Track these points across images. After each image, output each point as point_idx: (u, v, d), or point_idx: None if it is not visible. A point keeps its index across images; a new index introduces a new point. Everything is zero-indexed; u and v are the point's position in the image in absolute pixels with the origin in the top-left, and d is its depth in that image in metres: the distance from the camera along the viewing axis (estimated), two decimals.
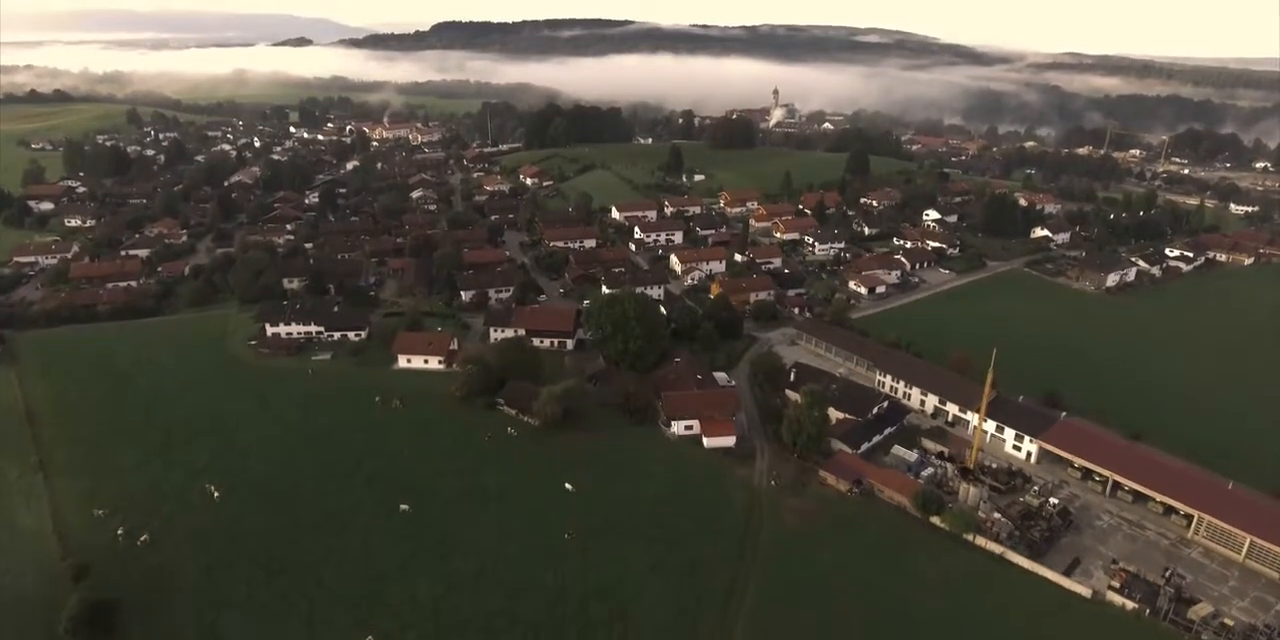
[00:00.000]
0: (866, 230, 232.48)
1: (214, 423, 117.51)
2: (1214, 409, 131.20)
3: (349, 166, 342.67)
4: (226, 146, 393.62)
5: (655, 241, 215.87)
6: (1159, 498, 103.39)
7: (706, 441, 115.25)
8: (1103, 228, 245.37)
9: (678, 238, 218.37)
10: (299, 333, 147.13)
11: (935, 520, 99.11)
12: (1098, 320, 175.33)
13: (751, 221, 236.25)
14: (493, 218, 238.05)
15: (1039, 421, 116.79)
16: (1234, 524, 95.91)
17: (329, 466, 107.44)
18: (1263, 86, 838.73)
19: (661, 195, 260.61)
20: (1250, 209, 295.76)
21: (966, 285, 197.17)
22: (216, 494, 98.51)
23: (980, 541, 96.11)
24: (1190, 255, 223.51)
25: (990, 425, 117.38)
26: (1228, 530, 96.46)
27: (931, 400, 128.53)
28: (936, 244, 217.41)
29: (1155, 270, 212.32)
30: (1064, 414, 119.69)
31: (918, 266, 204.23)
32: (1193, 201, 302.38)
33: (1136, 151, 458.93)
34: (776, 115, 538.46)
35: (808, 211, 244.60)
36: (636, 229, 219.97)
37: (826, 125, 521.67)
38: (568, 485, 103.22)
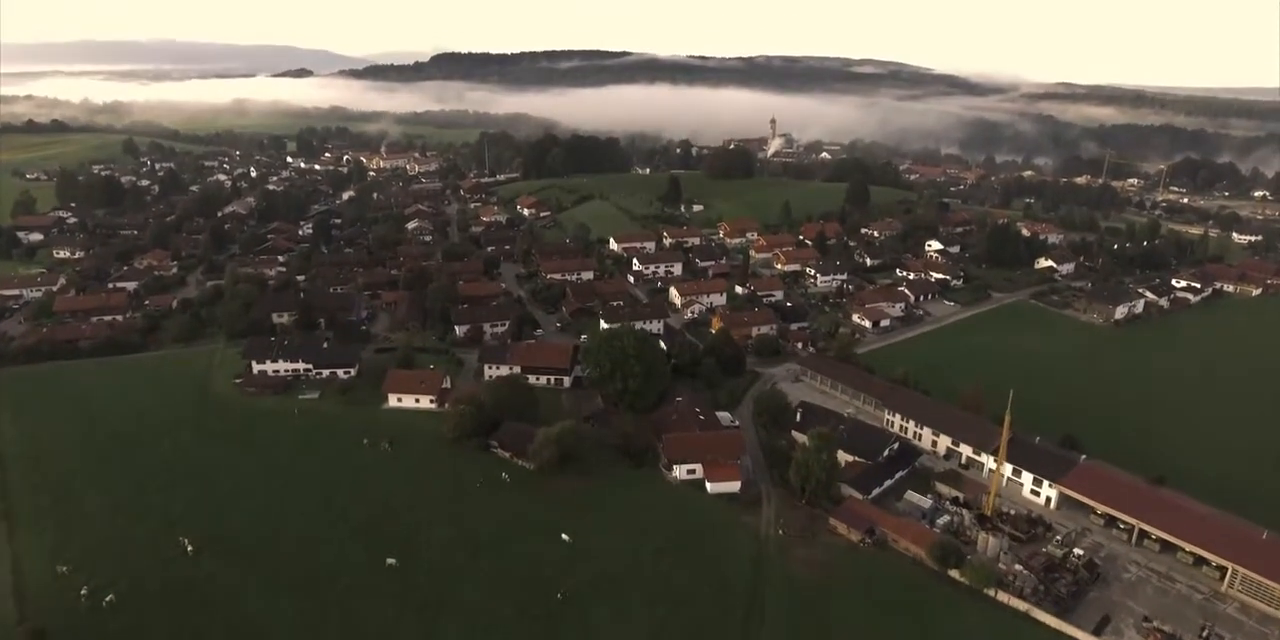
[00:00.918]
0: (868, 261, 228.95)
1: (192, 467, 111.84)
2: (1237, 449, 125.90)
3: (345, 197, 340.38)
4: (222, 177, 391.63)
5: (654, 273, 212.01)
6: (1188, 547, 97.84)
7: (710, 487, 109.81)
8: (1107, 258, 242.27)
9: (677, 269, 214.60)
10: (286, 370, 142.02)
11: (954, 573, 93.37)
12: (1109, 355, 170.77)
13: (752, 253, 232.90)
14: (489, 249, 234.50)
15: (1058, 465, 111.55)
16: (1271, 577, 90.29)
17: (312, 515, 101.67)
18: (1254, 115, 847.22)
19: (660, 226, 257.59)
20: (1253, 238, 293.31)
21: (972, 318, 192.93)
22: (190, 548, 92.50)
23: (1003, 597, 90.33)
24: (1197, 286, 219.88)
25: (1007, 468, 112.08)
26: (1265, 584, 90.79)
27: (944, 441, 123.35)
28: (940, 275, 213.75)
29: (1163, 302, 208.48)
30: (1083, 457, 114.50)
31: (922, 298, 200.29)
32: (1194, 231, 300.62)
33: (1134, 180, 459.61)
34: (775, 145, 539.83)
35: (808, 242, 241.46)
36: (635, 260, 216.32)
37: (824, 155, 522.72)
38: (564, 536, 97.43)
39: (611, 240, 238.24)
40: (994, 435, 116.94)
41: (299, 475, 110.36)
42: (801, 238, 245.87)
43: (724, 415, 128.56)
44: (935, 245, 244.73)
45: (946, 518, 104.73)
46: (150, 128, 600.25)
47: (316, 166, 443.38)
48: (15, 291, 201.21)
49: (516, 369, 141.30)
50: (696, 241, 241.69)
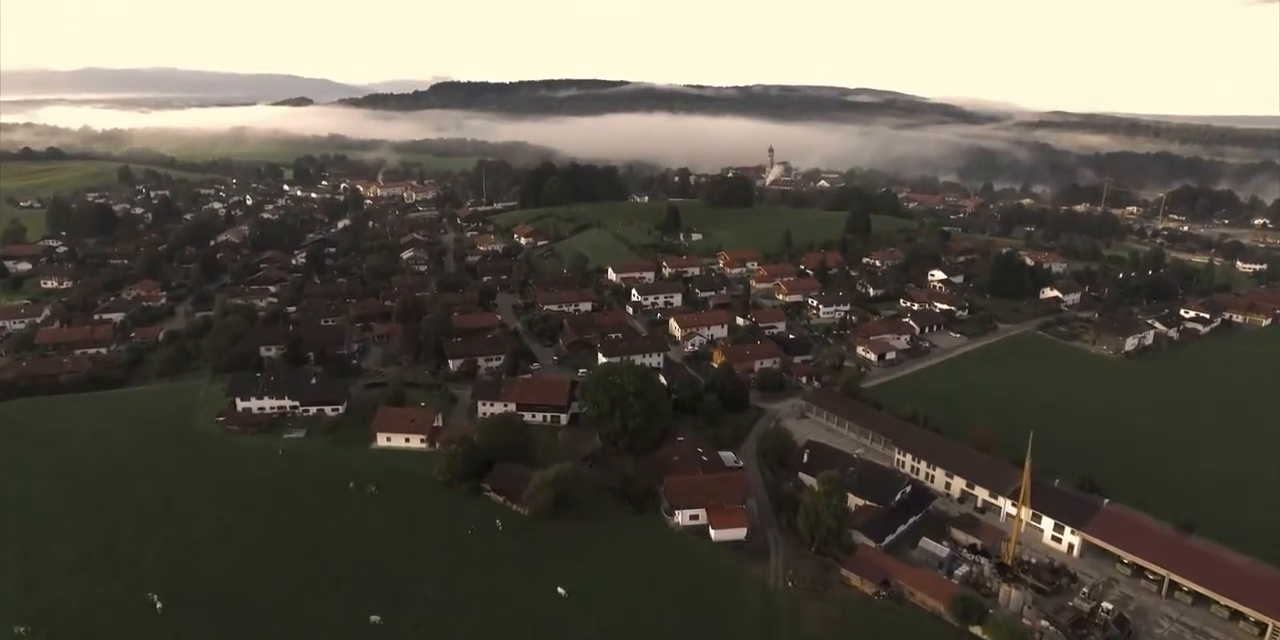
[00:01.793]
0: (871, 291, 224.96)
1: (167, 513, 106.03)
2: (1269, 491, 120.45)
3: (341, 225, 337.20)
4: (217, 205, 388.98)
5: (653, 304, 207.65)
6: (1224, 601, 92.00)
7: (714, 534, 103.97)
8: (1113, 288, 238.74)
9: (676, 300, 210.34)
10: (272, 407, 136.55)
11: (976, 630, 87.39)
12: (1122, 388, 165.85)
13: (752, 283, 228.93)
14: (485, 279, 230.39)
15: (1080, 510, 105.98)
16: None
17: (292, 566, 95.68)
18: (1248, 143, 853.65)
19: (659, 255, 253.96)
20: (1258, 267, 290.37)
21: (979, 350, 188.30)
22: (159, 605, 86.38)
23: None
24: (1207, 316, 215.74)
25: (1025, 513, 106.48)
26: None
27: (958, 483, 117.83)
28: (945, 306, 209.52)
29: (1173, 333, 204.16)
30: (1106, 501, 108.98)
31: (927, 330, 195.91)
32: (1198, 259, 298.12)
33: (1133, 208, 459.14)
34: (774, 172, 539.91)
35: (809, 272, 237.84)
36: (634, 291, 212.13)
37: (822, 183, 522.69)
38: (560, 590, 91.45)
39: (610, 270, 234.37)
40: (1011, 477, 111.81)
41: (280, 522, 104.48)
42: (802, 267, 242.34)
43: (728, 455, 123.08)
44: (938, 275, 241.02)
45: (965, 568, 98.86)
46: (147, 155, 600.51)
47: (313, 195, 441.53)
48: None
49: (511, 406, 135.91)
50: (696, 271, 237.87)
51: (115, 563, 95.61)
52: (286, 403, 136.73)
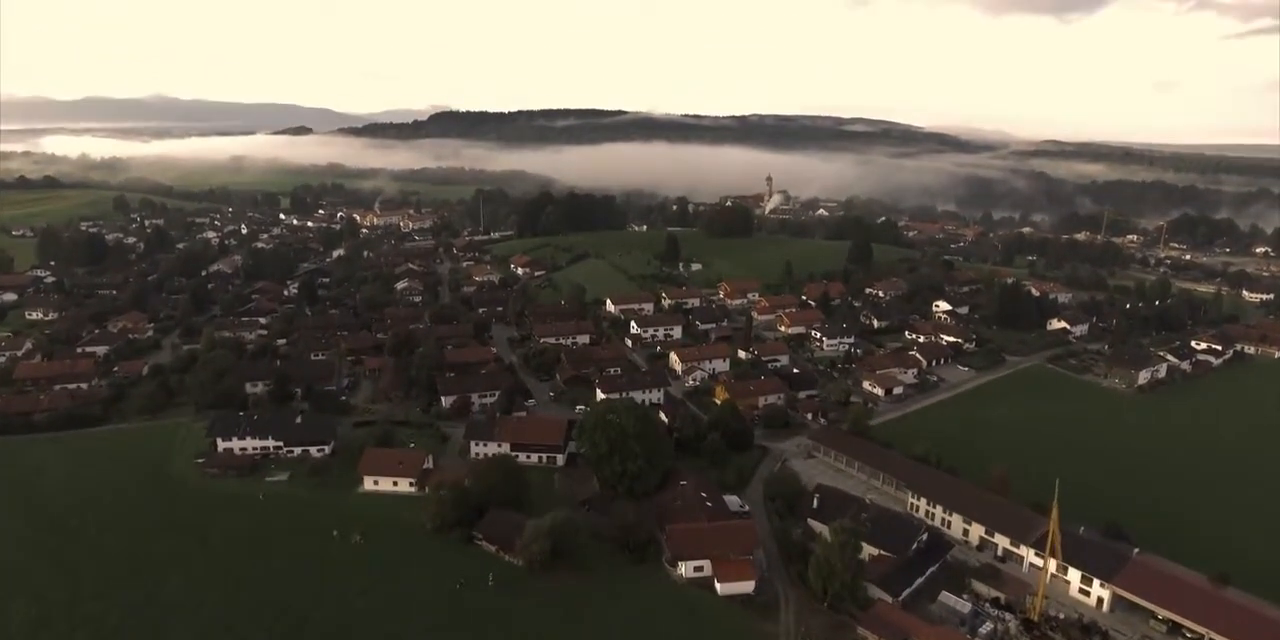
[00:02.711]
0: (875, 323, 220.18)
1: (138, 565, 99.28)
2: None
3: (335, 255, 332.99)
4: (212, 234, 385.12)
5: (653, 337, 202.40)
6: None
7: (720, 587, 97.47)
8: (1121, 319, 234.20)
9: (676, 332, 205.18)
10: (255, 448, 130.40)
11: None
12: (1139, 425, 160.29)
13: (754, 314, 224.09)
14: (480, 311, 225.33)
15: (1109, 560, 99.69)
16: None
17: (266, 626, 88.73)
18: (1242, 172, 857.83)
19: (658, 286, 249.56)
20: (1265, 296, 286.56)
21: (988, 384, 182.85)
22: None
23: None
24: (1219, 348, 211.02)
25: (1052, 564, 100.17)
26: None
27: (976, 530, 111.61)
28: (952, 338, 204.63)
29: (1185, 365, 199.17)
30: (1136, 550, 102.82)
31: (934, 363, 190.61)
32: (1203, 288, 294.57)
33: (1134, 236, 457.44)
34: (774, 201, 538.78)
35: (811, 303, 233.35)
36: (633, 323, 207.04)
37: (821, 212, 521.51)
38: None
39: (608, 301, 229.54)
40: (1034, 523, 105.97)
41: (257, 577, 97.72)
42: (804, 298, 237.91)
43: (733, 500, 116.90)
44: (943, 306, 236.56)
45: (990, 625, 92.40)
46: (144, 184, 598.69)
47: (309, 223, 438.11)
48: None
49: (505, 446, 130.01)
50: (696, 302, 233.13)
51: (77, 622, 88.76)
52: (270, 443, 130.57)
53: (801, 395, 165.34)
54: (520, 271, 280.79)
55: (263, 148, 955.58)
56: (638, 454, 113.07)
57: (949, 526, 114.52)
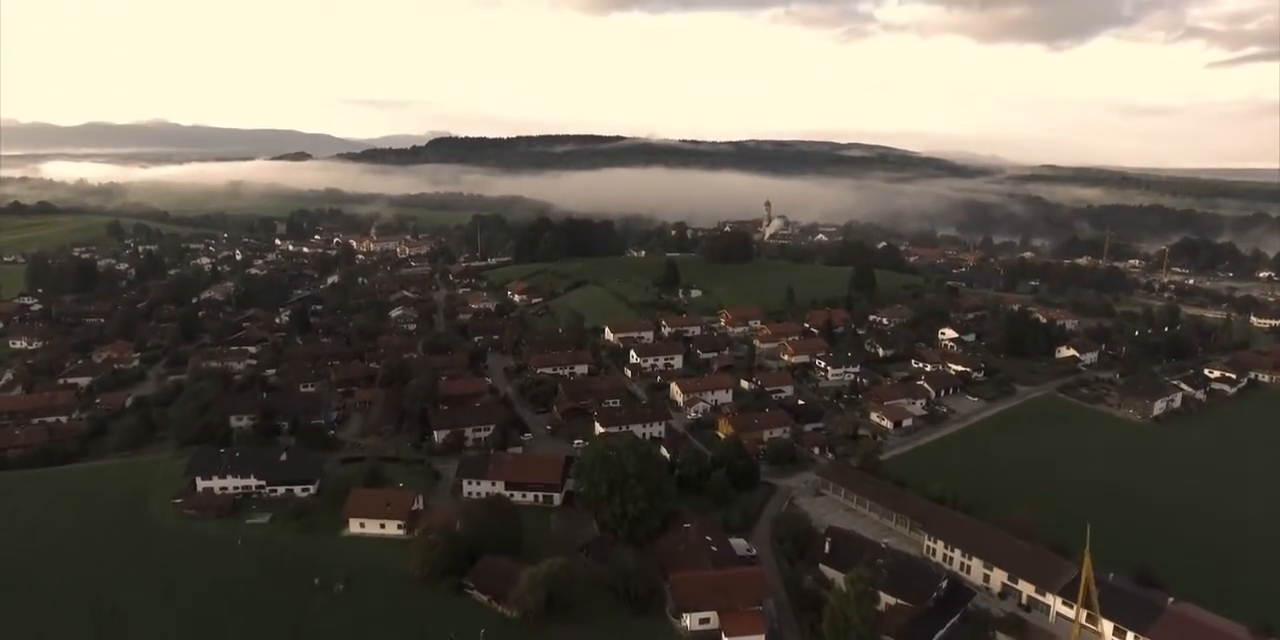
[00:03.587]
0: (881, 351, 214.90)
1: (102, 619, 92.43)
2: None
3: (330, 281, 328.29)
4: (205, 260, 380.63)
5: (653, 366, 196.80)
6: None
7: None
8: (1131, 346, 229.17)
9: (677, 362, 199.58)
10: (235, 487, 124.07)
11: None
12: (1158, 458, 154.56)
13: (756, 342, 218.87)
14: (476, 339, 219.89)
15: (1143, 610, 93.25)
16: None
17: None
18: (1238, 195, 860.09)
19: (658, 313, 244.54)
20: (1274, 322, 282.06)
21: (1000, 416, 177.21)
22: None
23: None
24: (1232, 376, 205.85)
25: (1083, 614, 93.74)
26: None
27: (998, 576, 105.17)
28: (960, 367, 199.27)
29: (1200, 394, 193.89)
30: (1170, 599, 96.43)
31: (943, 393, 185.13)
32: (1210, 314, 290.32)
33: (1135, 261, 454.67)
34: (774, 226, 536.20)
35: (814, 330, 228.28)
36: (632, 352, 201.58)
37: (820, 237, 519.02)
38: None
39: (607, 330, 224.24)
40: (1060, 569, 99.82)
41: (229, 631, 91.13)
42: (807, 326, 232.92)
43: (739, 543, 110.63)
44: (949, 333, 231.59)
45: None
46: (140, 209, 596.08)
47: (305, 249, 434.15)
48: None
49: (499, 485, 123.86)
50: (697, 331, 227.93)
51: None
52: (252, 482, 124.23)
53: (808, 428, 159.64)
54: (517, 299, 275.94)
55: (261, 173, 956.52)
56: (639, 495, 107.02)
57: (968, 571, 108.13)
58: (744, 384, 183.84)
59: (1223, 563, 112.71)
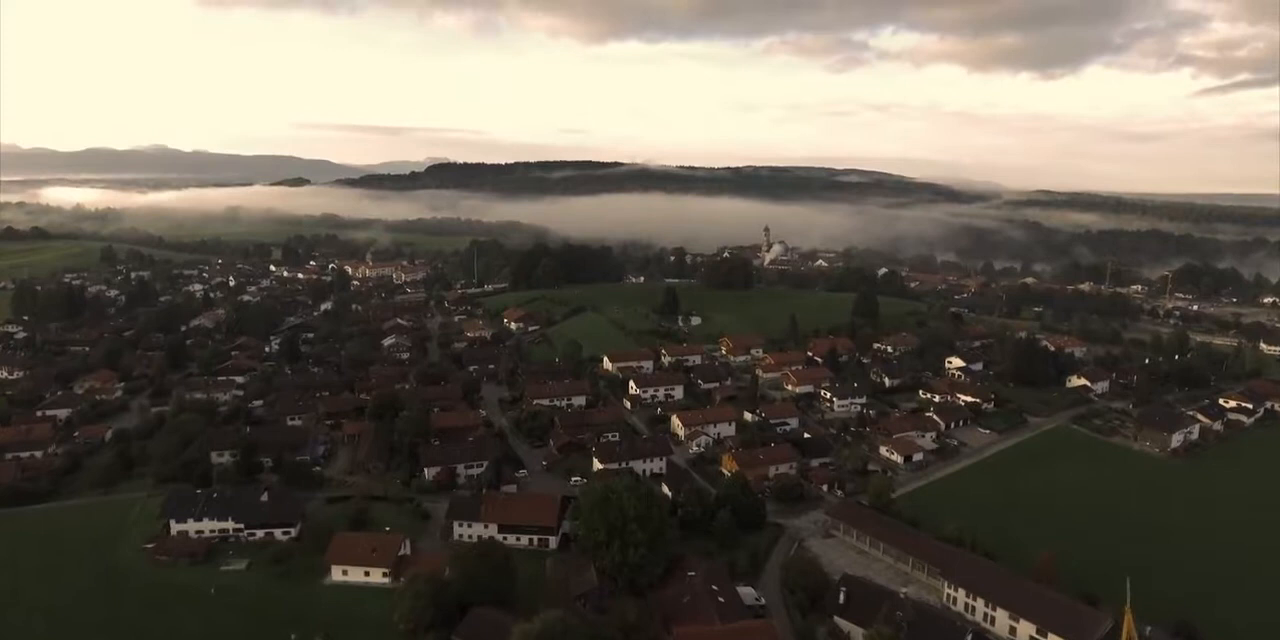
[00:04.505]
0: (887, 381, 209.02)
1: None
2: None
3: (324, 308, 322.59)
4: (198, 286, 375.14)
5: (653, 397, 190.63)
6: None
7: None
8: (1142, 375, 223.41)
9: (678, 392, 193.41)
10: (213, 530, 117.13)
11: None
12: (1182, 495, 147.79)
13: (758, 372, 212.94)
14: (471, 369, 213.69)
15: None
16: None
17: None
18: (1235, 220, 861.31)
19: (658, 342, 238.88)
20: None
21: (1014, 449, 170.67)
22: None
23: None
24: (1249, 406, 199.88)
25: None
26: None
27: (1025, 629, 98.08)
28: (970, 398, 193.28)
29: (1217, 425, 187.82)
30: None
31: (953, 425, 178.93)
32: (1218, 341, 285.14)
33: (1137, 287, 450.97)
34: (775, 251, 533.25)
35: (818, 359, 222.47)
36: (631, 383, 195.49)
37: (820, 262, 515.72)
38: None
39: (605, 359, 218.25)
40: (1093, 621, 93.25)
41: None
42: (810, 354, 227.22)
43: (747, 591, 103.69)
44: (957, 362, 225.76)
45: None
46: (135, 235, 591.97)
47: (299, 275, 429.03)
48: None
49: (492, 528, 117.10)
50: (698, 360, 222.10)
51: None
52: (230, 525, 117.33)
53: (814, 463, 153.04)
54: (513, 326, 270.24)
55: (259, 198, 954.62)
56: (640, 541, 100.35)
57: (993, 622, 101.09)
58: (747, 416, 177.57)
59: (1273, 618, 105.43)
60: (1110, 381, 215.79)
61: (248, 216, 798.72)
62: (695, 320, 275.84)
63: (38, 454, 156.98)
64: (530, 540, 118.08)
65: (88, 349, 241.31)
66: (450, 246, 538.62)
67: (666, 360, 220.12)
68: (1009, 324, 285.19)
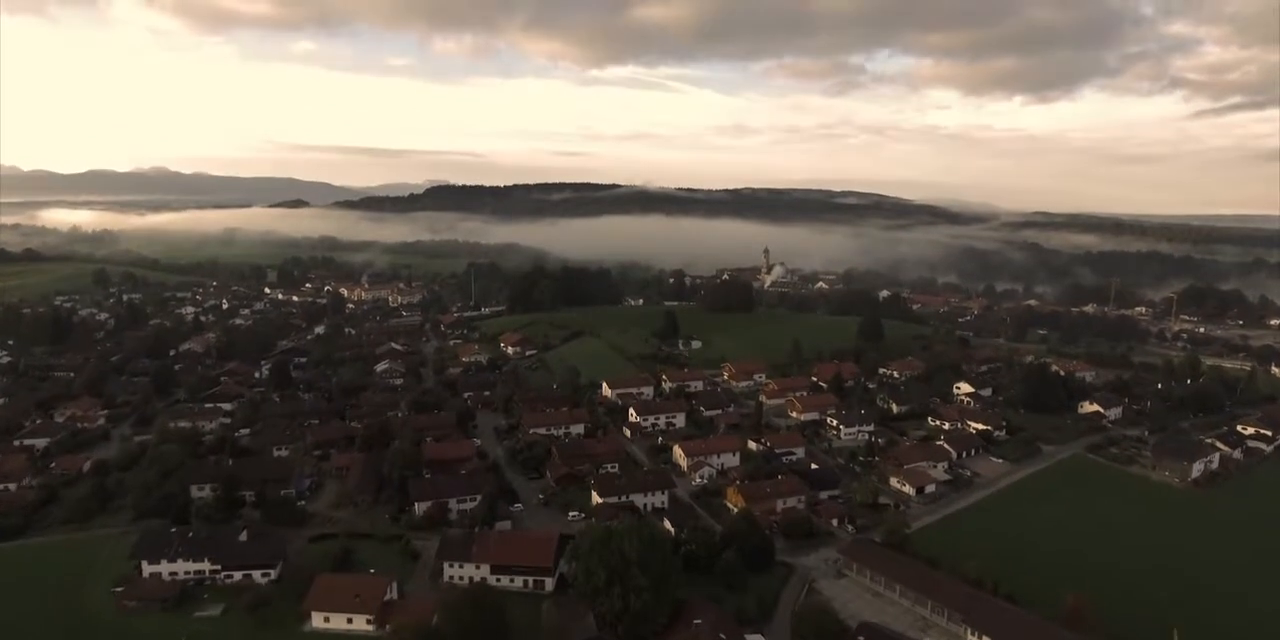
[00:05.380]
0: (894, 408, 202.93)
1: None
2: None
3: (318, 331, 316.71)
4: (190, 309, 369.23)
5: (654, 426, 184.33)
6: None
7: None
8: (1156, 401, 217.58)
9: (679, 420, 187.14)
10: (187, 572, 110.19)
11: None
12: (1211, 529, 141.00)
13: (762, 398, 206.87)
14: (466, 396, 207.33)
15: None
16: None
17: None
18: (1234, 242, 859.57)
19: (658, 367, 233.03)
20: None
21: (1028, 479, 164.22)
22: None
23: None
24: (1268, 433, 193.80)
25: None
26: None
27: None
28: (981, 426, 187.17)
29: (1236, 453, 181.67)
30: None
31: (964, 455, 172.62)
32: (1228, 364, 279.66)
33: (1142, 308, 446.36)
34: (775, 273, 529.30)
35: (823, 385, 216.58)
36: (631, 410, 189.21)
37: (820, 285, 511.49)
38: None
39: (604, 385, 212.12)
40: None
41: None
42: (815, 380, 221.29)
43: None
44: (965, 388, 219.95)
45: None
46: (129, 257, 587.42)
47: (294, 298, 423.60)
48: None
49: (484, 569, 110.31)
50: (699, 385, 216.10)
51: None
52: (206, 566, 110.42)
53: (823, 496, 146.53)
54: (510, 351, 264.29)
55: (257, 220, 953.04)
56: (643, 586, 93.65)
57: None
58: (751, 445, 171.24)
59: None
60: (1123, 407, 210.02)
61: (245, 238, 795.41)
62: (696, 344, 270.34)
63: (12, 487, 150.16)
64: (525, 582, 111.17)
65: (72, 374, 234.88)
66: (448, 269, 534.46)
67: (667, 386, 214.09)
68: (1016, 348, 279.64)
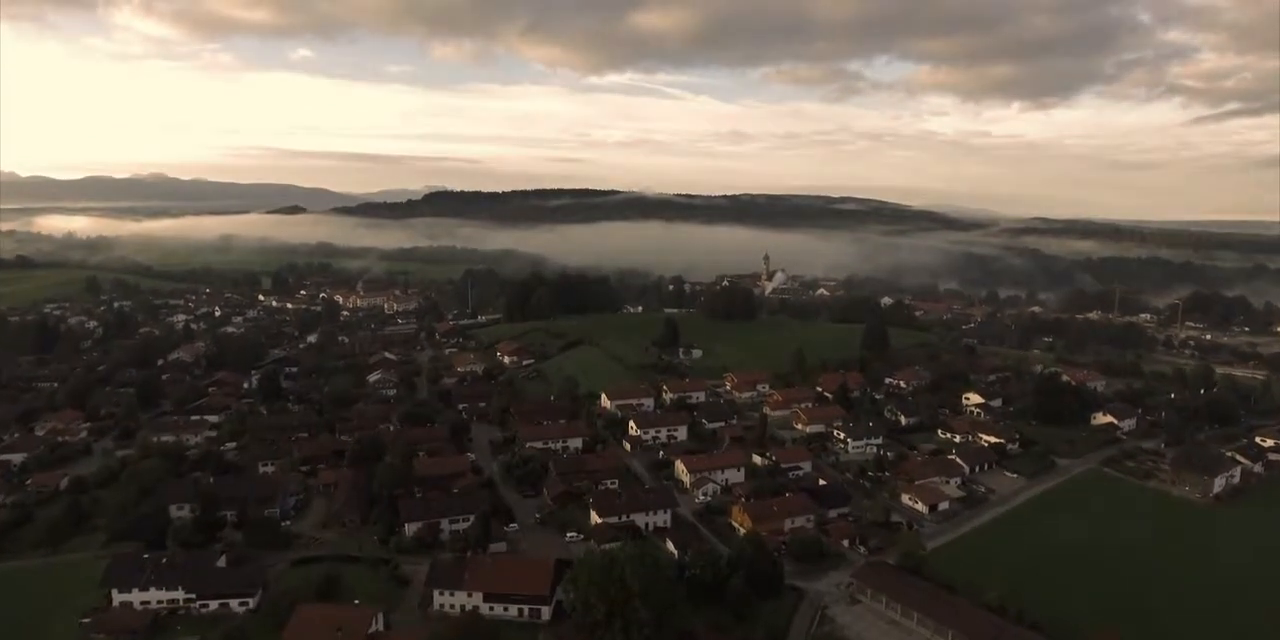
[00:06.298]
0: (903, 420, 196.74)
1: None
2: None
3: (310, 340, 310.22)
4: (181, 317, 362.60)
5: (655, 439, 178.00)
6: None
7: None
8: (1171, 411, 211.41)
9: (681, 433, 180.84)
10: (161, 601, 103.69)
11: None
12: (1234, 547, 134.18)
13: (766, 410, 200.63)
14: (460, 408, 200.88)
15: None
16: None
17: None
18: (1234, 247, 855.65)
19: (658, 377, 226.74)
20: None
21: (1045, 495, 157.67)
22: None
23: None
24: None
25: None
26: None
27: None
28: (993, 438, 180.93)
29: (1258, 467, 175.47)
30: None
31: (977, 469, 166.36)
32: (1238, 372, 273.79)
33: (1146, 315, 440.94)
34: (776, 280, 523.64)
35: (828, 395, 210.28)
36: (632, 423, 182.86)
37: (822, 291, 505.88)
38: None
39: (604, 396, 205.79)
40: None
41: None
42: (820, 390, 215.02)
43: None
44: (975, 399, 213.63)
45: None
46: (123, 264, 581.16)
47: (288, 305, 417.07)
48: None
49: (476, 596, 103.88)
50: (701, 396, 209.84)
51: None
52: (180, 595, 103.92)
53: (832, 514, 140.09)
54: (507, 360, 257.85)
55: (254, 227, 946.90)
56: (645, 620, 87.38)
57: None
58: (756, 460, 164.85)
59: None
60: (1138, 418, 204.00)
61: (241, 245, 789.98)
62: (697, 353, 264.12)
63: None
64: (520, 610, 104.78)
65: (56, 385, 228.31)
66: (445, 275, 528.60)
67: (668, 397, 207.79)
68: (1024, 356, 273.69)
